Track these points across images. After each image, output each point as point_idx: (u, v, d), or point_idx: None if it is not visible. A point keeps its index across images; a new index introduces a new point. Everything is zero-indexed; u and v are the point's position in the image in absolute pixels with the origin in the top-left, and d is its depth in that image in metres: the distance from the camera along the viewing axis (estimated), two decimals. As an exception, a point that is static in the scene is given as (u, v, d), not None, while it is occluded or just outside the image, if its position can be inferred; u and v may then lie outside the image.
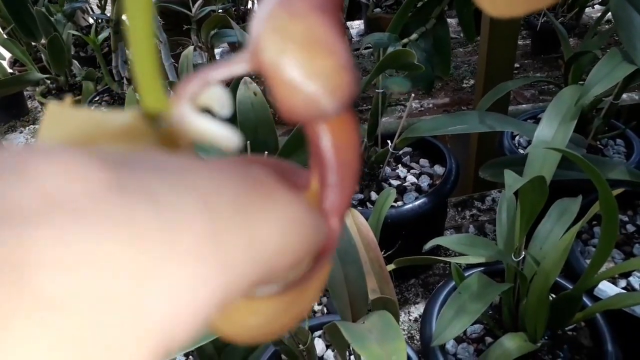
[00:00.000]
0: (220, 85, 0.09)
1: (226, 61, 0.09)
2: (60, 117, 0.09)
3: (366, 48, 1.33)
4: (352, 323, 0.48)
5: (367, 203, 0.79)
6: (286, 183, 0.11)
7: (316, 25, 0.08)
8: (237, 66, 0.09)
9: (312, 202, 0.11)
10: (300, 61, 0.08)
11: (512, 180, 0.48)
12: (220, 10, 1.08)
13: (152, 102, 0.09)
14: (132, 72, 0.09)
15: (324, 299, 0.73)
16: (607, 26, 1.20)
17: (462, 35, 1.38)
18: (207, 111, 0.09)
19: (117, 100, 1.10)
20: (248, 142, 0.62)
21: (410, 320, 0.80)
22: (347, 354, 0.59)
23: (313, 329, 0.66)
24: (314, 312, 0.73)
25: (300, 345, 0.56)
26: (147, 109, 0.09)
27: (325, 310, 0.73)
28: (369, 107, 0.90)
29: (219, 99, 0.09)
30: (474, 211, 0.96)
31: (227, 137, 0.09)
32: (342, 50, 0.08)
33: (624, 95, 1.19)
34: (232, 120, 0.65)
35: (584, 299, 0.65)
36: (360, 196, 0.80)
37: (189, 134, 0.09)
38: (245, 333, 0.10)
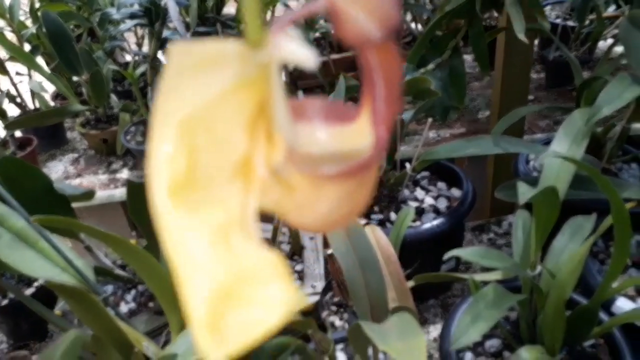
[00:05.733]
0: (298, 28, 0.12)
1: (308, 3, 0.12)
2: (183, 50, 0.12)
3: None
4: (374, 323, 0.50)
5: (387, 223, 0.82)
6: (343, 116, 0.14)
7: None
8: (315, 7, 0.12)
9: (362, 121, 0.14)
10: (358, 2, 0.12)
11: (524, 189, 0.51)
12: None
13: (255, 33, 0.12)
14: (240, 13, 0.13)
15: (345, 315, 0.76)
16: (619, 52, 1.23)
17: (477, 69, 1.43)
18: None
19: (151, 130, 1.16)
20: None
21: (429, 340, 0.82)
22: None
23: (335, 342, 0.68)
24: (335, 327, 0.75)
25: (325, 357, 0.58)
26: (251, 38, 0.12)
27: (347, 326, 0.75)
28: (389, 135, 0.94)
29: (297, 36, 0.12)
30: (491, 235, 0.98)
31: (309, 57, 0.12)
32: None
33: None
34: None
35: (603, 316, 0.67)
36: (380, 217, 0.83)
37: (281, 56, 0.12)
38: (315, 221, 0.14)
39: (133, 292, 0.81)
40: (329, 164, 0.14)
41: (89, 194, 0.75)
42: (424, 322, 0.83)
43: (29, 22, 1.28)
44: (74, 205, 0.72)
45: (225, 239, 0.12)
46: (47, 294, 0.84)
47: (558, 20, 1.33)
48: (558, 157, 0.55)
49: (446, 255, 0.60)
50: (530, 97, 1.32)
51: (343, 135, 0.15)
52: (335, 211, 0.14)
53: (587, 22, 1.29)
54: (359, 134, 0.15)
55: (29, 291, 0.82)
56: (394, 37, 0.12)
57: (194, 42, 0.12)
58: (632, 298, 0.72)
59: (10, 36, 1.20)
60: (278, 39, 0.12)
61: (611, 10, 1.24)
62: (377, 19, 0.12)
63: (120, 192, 1.11)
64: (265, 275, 0.12)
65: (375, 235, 0.67)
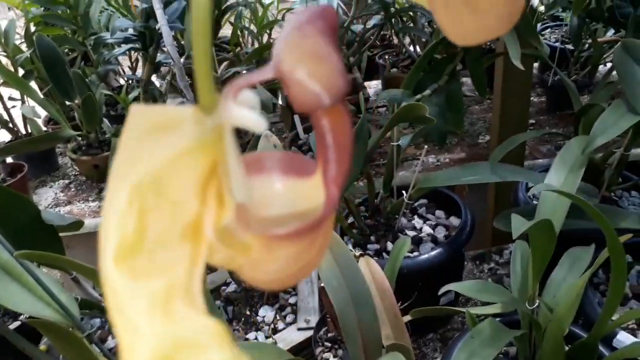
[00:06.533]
0: (251, 90, 0.12)
1: (258, 70, 0.12)
2: (141, 113, 0.12)
3: (382, 106, 1.38)
4: (364, 365, 0.48)
5: (384, 253, 0.80)
6: (300, 170, 0.15)
7: (319, 43, 0.11)
8: (265, 74, 0.12)
9: (318, 176, 0.14)
10: (307, 68, 0.11)
11: (518, 223, 0.49)
12: (244, 72, 1.14)
13: (207, 99, 0.12)
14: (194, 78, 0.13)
15: (340, 351, 0.73)
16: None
17: (476, 93, 1.42)
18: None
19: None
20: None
21: (428, 374, 0.79)
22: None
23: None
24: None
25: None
26: (203, 104, 0.12)
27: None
28: (385, 162, 0.92)
29: (251, 99, 0.12)
30: (492, 265, 0.96)
31: (258, 122, 0.12)
32: (337, 60, 0.12)
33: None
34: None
35: (604, 351, 0.64)
36: (377, 246, 0.81)
37: (232, 120, 0.12)
38: (267, 278, 0.14)
39: (122, 324, 0.79)
40: (281, 224, 0.14)
41: (76, 224, 0.73)
42: (422, 357, 0.80)
43: (24, 47, 1.28)
44: (63, 233, 0.70)
45: (167, 305, 0.12)
46: (34, 327, 0.81)
47: (557, 44, 1.33)
48: (552, 191, 0.53)
49: (442, 290, 0.58)
50: (531, 121, 1.31)
51: (299, 190, 0.15)
52: (287, 269, 0.14)
53: (586, 46, 1.29)
54: (314, 190, 0.15)
55: (14, 325, 0.80)
56: (343, 102, 0.12)
57: (152, 105, 0.12)
58: (633, 331, 0.70)
59: (5, 61, 1.20)
60: (229, 103, 0.12)
61: (610, 34, 1.23)
62: (326, 86, 0.12)
63: (112, 219, 1.09)
64: (204, 341, 0.12)
65: (370, 268, 0.65)
